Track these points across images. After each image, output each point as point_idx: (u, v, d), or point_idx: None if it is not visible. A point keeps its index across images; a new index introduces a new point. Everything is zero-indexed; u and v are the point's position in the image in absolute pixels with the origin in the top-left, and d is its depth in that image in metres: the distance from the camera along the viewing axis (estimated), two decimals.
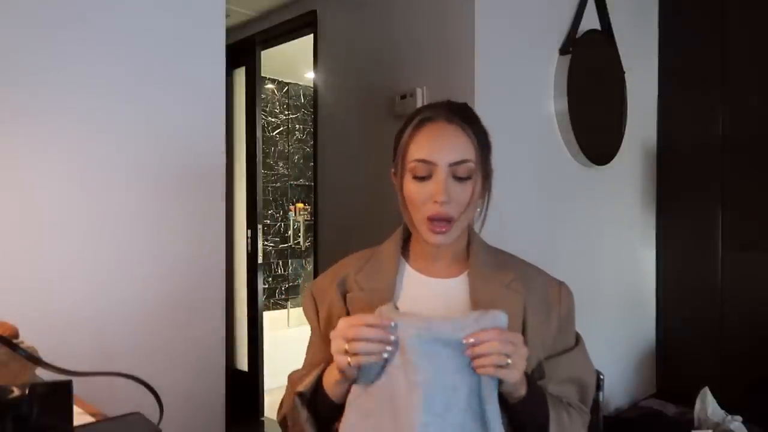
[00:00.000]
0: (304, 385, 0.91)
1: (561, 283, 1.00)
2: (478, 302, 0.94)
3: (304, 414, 0.90)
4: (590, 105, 2.29)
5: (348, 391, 0.85)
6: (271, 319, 4.22)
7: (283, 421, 1.00)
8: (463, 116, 0.94)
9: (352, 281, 1.00)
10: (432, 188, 0.90)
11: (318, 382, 0.92)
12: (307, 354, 1.06)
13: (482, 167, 0.94)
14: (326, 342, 1.00)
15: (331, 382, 0.88)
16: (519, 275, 0.98)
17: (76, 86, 1.19)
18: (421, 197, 0.91)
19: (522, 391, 0.83)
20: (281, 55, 3.56)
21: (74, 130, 1.19)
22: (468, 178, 0.92)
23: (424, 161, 0.91)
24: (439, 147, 0.91)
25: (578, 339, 1.01)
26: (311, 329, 1.05)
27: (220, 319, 1.44)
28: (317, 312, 1.02)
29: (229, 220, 3.17)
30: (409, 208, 0.95)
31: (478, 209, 0.99)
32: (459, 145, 0.91)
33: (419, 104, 2.03)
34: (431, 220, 0.91)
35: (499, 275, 0.97)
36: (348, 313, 0.97)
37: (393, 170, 1.00)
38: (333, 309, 0.99)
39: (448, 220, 0.91)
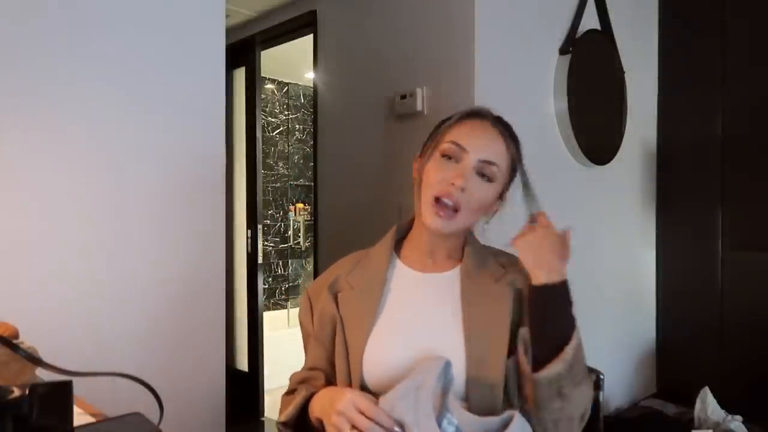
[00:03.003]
0: (286, 415, 0.93)
1: None
2: (467, 295, 0.96)
3: None
4: (590, 105, 2.29)
5: None
6: (271, 319, 4.22)
7: None
8: (508, 129, 0.99)
9: (343, 281, 1.02)
10: (453, 173, 0.93)
11: (303, 406, 0.93)
12: (306, 359, 1.07)
13: (504, 181, 0.97)
14: (321, 343, 1.01)
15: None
16: (513, 271, 0.99)
17: (76, 87, 1.19)
18: (439, 177, 0.94)
19: (551, 277, 0.87)
20: (281, 55, 3.56)
21: (74, 130, 1.19)
22: (490, 181, 0.95)
23: (458, 145, 0.94)
24: (476, 138, 0.95)
25: None
26: (305, 334, 1.06)
27: (221, 319, 1.44)
28: (312, 315, 1.04)
29: (229, 220, 3.17)
30: (423, 187, 0.96)
31: (485, 224, 1.00)
32: (495, 148, 0.95)
33: (419, 104, 2.03)
34: (438, 200, 0.93)
35: (491, 270, 0.99)
36: (339, 314, 0.99)
37: (419, 154, 1.02)
38: (325, 310, 1.01)
39: (454, 210, 0.93)
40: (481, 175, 0.94)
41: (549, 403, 0.85)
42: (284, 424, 0.93)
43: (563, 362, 0.83)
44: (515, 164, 0.99)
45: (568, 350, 0.84)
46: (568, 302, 0.88)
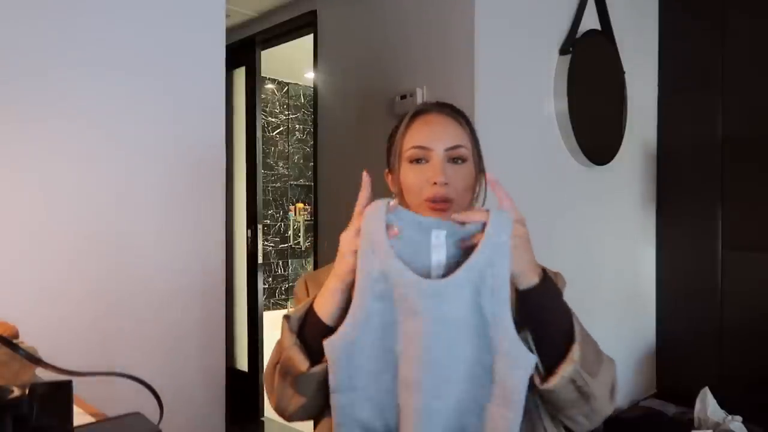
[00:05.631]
0: (292, 311, 0.89)
1: (557, 273, 1.03)
2: None
3: (291, 338, 0.86)
4: (590, 105, 2.29)
5: (340, 315, 0.83)
6: (271, 319, 4.21)
7: (269, 371, 0.93)
8: (453, 109, 1.00)
9: None
10: (430, 171, 0.94)
11: (308, 312, 0.88)
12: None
13: (475, 155, 0.98)
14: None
15: (326, 296, 0.85)
16: None
17: (78, 87, 1.19)
18: (420, 181, 0.94)
19: (532, 278, 0.81)
20: (281, 55, 3.57)
21: (75, 130, 1.19)
22: (463, 162, 0.96)
23: (420, 147, 0.95)
24: (433, 132, 0.96)
25: None
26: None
27: (220, 319, 1.44)
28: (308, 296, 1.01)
29: (229, 220, 3.17)
30: (407, 195, 0.97)
31: (476, 203, 1.01)
32: (452, 132, 0.96)
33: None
34: (430, 201, 0.93)
35: None
36: None
37: (387, 170, 1.04)
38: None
39: (447, 200, 0.93)
40: (454, 160, 0.95)
41: (572, 404, 0.83)
42: (288, 318, 0.89)
43: (572, 362, 0.80)
44: (475, 135, 1.00)
45: (575, 348, 0.80)
46: (557, 293, 0.86)
